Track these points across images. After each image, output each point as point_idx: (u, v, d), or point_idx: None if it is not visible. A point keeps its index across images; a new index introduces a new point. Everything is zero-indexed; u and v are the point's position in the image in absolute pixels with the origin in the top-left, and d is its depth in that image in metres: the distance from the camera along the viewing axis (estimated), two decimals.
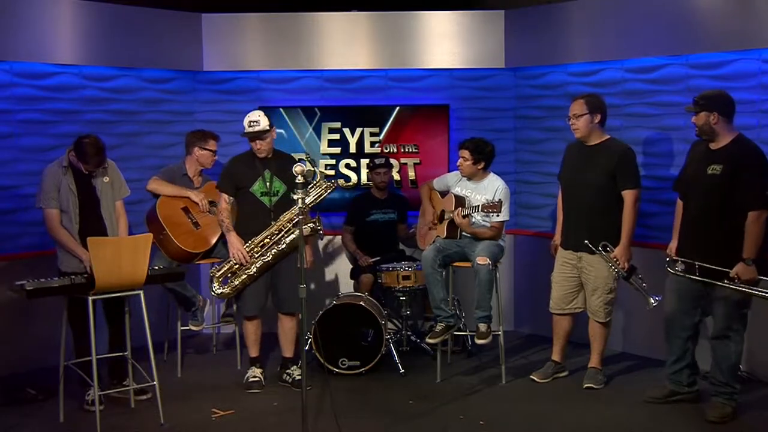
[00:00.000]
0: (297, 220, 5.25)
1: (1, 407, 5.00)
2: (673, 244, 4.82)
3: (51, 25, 5.73)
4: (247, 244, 5.19)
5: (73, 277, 4.65)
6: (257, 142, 5.20)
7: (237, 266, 5.21)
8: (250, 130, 5.17)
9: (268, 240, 5.20)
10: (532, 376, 5.48)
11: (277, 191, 5.27)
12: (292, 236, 5.18)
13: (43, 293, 4.50)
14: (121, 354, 4.93)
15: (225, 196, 5.29)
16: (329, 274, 6.73)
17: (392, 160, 6.48)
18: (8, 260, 5.58)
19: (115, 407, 4.92)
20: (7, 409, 4.98)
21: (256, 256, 5.19)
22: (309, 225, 5.22)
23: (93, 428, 4.51)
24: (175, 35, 6.36)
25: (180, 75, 6.53)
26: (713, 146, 4.61)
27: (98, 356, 4.59)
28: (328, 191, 5.39)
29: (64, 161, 4.90)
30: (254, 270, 5.19)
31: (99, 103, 6.08)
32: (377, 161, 6.29)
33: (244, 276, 5.20)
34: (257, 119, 5.18)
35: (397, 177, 6.59)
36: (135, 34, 6.11)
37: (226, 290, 5.23)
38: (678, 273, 4.57)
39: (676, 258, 4.64)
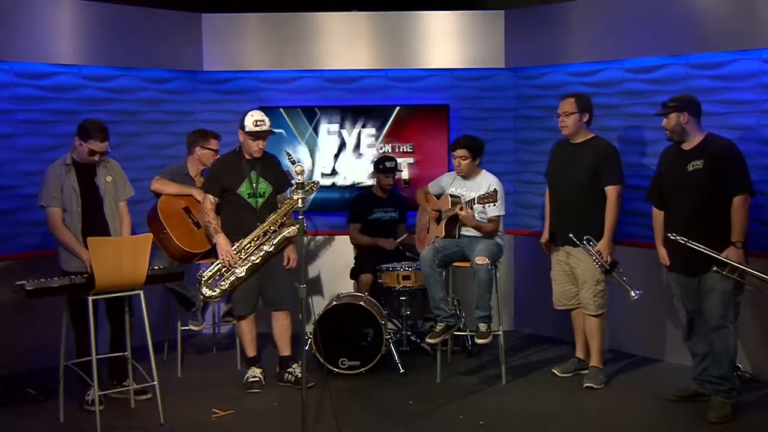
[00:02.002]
0: (297, 220, 5.28)
1: (1, 407, 5.00)
2: (662, 252, 4.85)
3: (51, 25, 5.73)
4: (235, 246, 5.19)
5: (73, 277, 4.65)
6: (260, 141, 5.19)
7: (225, 268, 5.20)
8: (258, 129, 5.14)
9: (255, 242, 5.20)
10: (553, 370, 5.54)
11: (264, 192, 5.26)
12: (279, 237, 5.19)
13: (43, 293, 4.50)
14: (121, 354, 4.93)
15: (210, 197, 5.27)
16: (329, 274, 6.72)
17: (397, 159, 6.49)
18: (8, 260, 5.58)
19: (115, 407, 4.92)
20: (7, 409, 4.98)
21: (243, 257, 5.19)
22: (296, 227, 5.23)
23: (93, 428, 4.51)
24: (175, 35, 6.36)
25: (180, 75, 6.53)
26: (686, 147, 4.71)
27: (98, 356, 4.59)
28: (312, 192, 5.47)
29: (68, 159, 4.90)
30: (243, 272, 5.18)
31: (99, 103, 6.08)
32: (388, 164, 6.26)
33: (233, 278, 5.19)
34: (263, 119, 5.16)
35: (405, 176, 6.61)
36: (135, 34, 6.11)
37: (216, 293, 5.22)
38: (680, 240, 4.57)
39: (675, 234, 4.65)
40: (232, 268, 5.18)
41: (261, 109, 6.43)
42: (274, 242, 5.21)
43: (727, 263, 4.44)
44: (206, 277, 5.22)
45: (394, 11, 6.57)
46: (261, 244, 5.20)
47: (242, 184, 5.23)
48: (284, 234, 5.21)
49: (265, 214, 5.25)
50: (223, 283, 5.20)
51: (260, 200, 5.26)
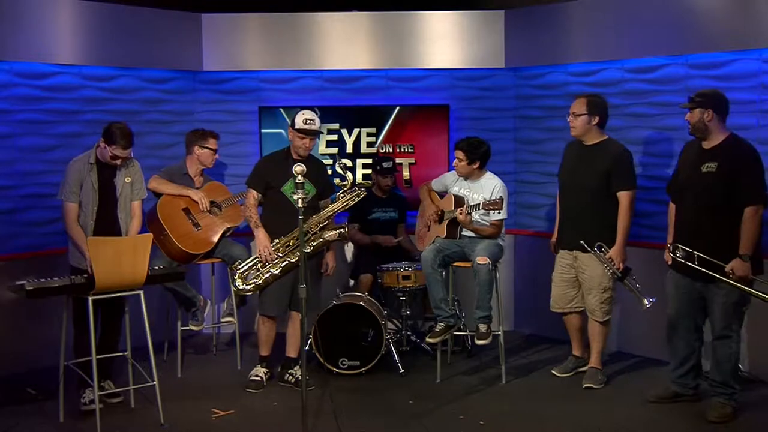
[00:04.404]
0: (339, 225, 5.30)
1: (1, 407, 5.00)
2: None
3: (51, 25, 5.73)
4: (274, 243, 5.20)
5: (73, 277, 4.66)
6: (307, 140, 5.20)
7: (261, 264, 5.22)
8: (307, 127, 5.17)
9: (294, 241, 5.19)
10: (552, 371, 5.53)
11: (307, 193, 5.23)
12: (318, 240, 5.20)
13: (43, 293, 4.50)
14: (121, 354, 4.93)
15: (254, 192, 5.30)
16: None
17: (397, 160, 6.49)
18: (8, 260, 5.58)
19: (116, 407, 4.92)
20: (7, 409, 4.98)
21: (281, 255, 5.20)
22: (339, 230, 5.23)
23: (93, 428, 4.51)
24: (175, 35, 6.36)
25: (180, 75, 6.53)
26: (706, 145, 4.62)
27: (98, 356, 4.58)
28: (358, 198, 5.41)
29: (92, 158, 4.91)
30: (278, 269, 5.19)
31: (99, 103, 6.08)
32: (385, 165, 6.27)
33: (268, 274, 5.20)
34: (313, 118, 5.19)
35: (406, 176, 6.61)
36: (135, 34, 6.11)
37: (249, 287, 5.24)
38: (678, 258, 4.56)
39: (678, 245, 4.61)
40: (267, 264, 5.18)
41: (261, 109, 6.51)
42: (314, 244, 5.21)
43: (729, 274, 4.38)
44: (241, 270, 5.24)
45: (394, 11, 6.57)
46: (300, 244, 5.19)
47: (286, 182, 5.22)
48: (324, 237, 5.21)
49: (308, 215, 5.22)
50: (257, 278, 5.21)
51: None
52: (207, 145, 5.75)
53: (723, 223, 4.50)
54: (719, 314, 4.58)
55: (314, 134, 5.23)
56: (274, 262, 5.20)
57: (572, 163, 5.32)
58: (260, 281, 5.23)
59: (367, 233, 6.30)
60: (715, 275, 4.41)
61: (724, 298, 4.53)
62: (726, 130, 4.61)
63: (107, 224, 4.89)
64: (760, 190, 4.49)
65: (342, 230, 5.27)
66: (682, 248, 4.56)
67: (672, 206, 4.87)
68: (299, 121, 5.19)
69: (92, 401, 4.72)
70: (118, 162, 4.92)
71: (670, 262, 4.79)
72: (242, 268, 5.26)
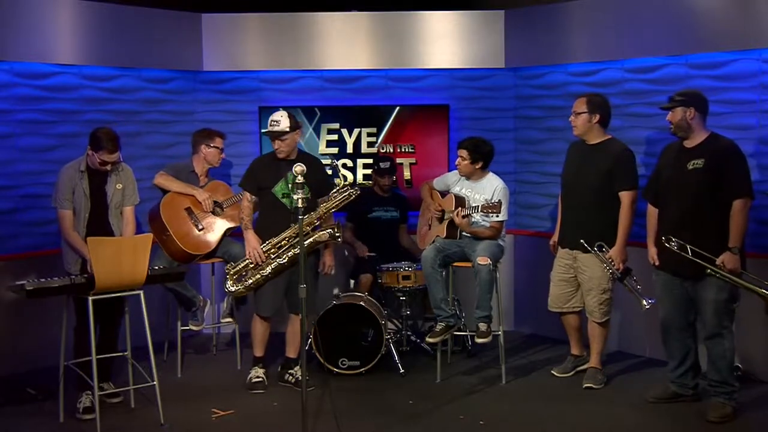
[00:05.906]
0: (332, 225, 5.25)
1: (1, 407, 5.00)
2: (653, 251, 4.81)
3: (51, 25, 5.73)
4: (264, 244, 5.19)
5: (73, 277, 4.65)
6: (276, 142, 5.18)
7: (252, 265, 5.21)
8: (269, 129, 5.16)
9: (285, 242, 5.17)
10: (552, 371, 5.53)
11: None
12: (310, 240, 5.16)
13: (43, 293, 4.49)
14: (121, 354, 4.93)
15: (247, 194, 5.30)
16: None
17: (398, 160, 6.49)
18: (8, 260, 5.58)
19: (116, 407, 4.92)
20: (7, 409, 4.99)
21: (272, 257, 5.19)
22: (327, 231, 5.21)
23: (93, 428, 4.51)
24: (175, 35, 6.36)
25: (180, 75, 6.53)
26: (688, 144, 4.64)
27: (98, 356, 4.58)
28: (350, 198, 5.35)
29: (82, 166, 4.89)
30: (269, 270, 5.18)
31: (99, 103, 6.08)
32: (383, 165, 6.26)
33: (258, 276, 5.19)
34: (278, 119, 5.15)
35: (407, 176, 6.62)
36: (135, 34, 6.11)
37: (240, 288, 5.23)
38: (674, 248, 4.55)
39: (671, 237, 4.60)
40: (258, 265, 5.18)
41: (261, 109, 6.50)
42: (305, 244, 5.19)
43: (721, 269, 4.38)
44: (232, 272, 5.23)
45: (394, 11, 6.57)
46: (291, 246, 5.17)
47: (277, 183, 5.21)
48: (314, 237, 5.20)
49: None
50: (248, 279, 5.20)
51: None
52: (214, 144, 5.76)
53: (711, 219, 4.52)
54: (710, 313, 4.59)
55: (276, 135, 5.14)
56: (265, 262, 5.19)
57: (575, 163, 5.31)
58: (251, 282, 5.21)
59: (368, 233, 6.29)
60: (708, 266, 4.41)
61: (715, 296, 4.54)
62: (707, 129, 4.64)
63: (99, 231, 4.86)
64: (747, 183, 4.53)
65: (331, 230, 5.23)
66: (675, 240, 4.56)
67: (652, 210, 4.87)
68: (268, 123, 5.19)
69: (87, 409, 4.74)
70: (108, 167, 4.90)
71: (657, 264, 4.79)
72: (233, 270, 5.24)
